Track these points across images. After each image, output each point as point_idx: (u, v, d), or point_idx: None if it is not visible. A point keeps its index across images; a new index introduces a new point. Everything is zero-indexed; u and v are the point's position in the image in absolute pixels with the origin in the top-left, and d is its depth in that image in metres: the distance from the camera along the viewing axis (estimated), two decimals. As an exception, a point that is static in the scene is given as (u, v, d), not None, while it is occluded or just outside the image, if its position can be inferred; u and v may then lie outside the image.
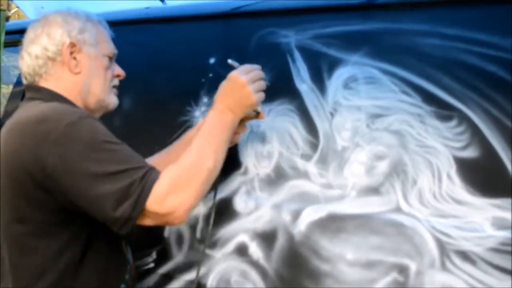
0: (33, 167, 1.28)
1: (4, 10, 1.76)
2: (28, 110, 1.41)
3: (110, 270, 1.46)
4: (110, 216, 1.26)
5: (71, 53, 1.51)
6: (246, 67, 1.54)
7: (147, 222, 1.32)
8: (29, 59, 1.51)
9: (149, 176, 1.28)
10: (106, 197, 1.25)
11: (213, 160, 1.39)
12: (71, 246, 1.36)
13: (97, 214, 1.29)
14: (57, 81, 1.50)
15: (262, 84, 1.55)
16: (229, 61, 1.58)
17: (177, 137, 1.80)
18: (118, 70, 1.63)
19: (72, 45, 1.50)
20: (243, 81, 1.49)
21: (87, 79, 1.53)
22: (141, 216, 1.28)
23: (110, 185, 1.25)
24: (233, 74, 1.51)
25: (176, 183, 1.31)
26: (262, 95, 1.55)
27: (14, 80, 2.42)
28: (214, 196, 1.65)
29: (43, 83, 1.50)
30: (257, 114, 1.62)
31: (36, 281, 1.34)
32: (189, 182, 1.33)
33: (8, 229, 1.36)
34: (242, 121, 1.60)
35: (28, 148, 1.29)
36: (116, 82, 1.63)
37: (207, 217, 1.69)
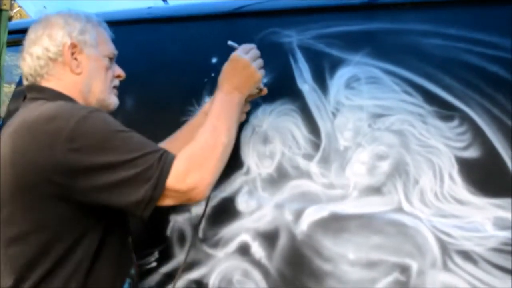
0: (47, 166, 1.29)
1: (7, 10, 1.76)
2: (33, 109, 1.42)
3: (120, 264, 1.48)
4: (133, 200, 1.29)
5: (72, 53, 1.52)
6: (245, 46, 1.64)
7: (169, 201, 1.36)
8: (31, 60, 1.52)
9: (166, 157, 1.33)
10: (127, 182, 1.29)
11: (227, 136, 1.46)
12: (84, 241, 1.37)
13: (120, 202, 1.31)
14: (58, 81, 1.51)
15: (261, 61, 1.63)
16: (229, 42, 1.66)
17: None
18: (119, 71, 1.65)
19: (73, 46, 1.52)
20: (246, 60, 1.58)
21: (88, 79, 1.54)
22: (163, 196, 1.32)
23: (129, 171, 1.29)
24: (235, 55, 1.60)
25: (194, 160, 1.37)
26: (263, 72, 1.64)
27: (16, 79, 2.42)
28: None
29: (45, 83, 1.51)
30: (259, 91, 1.68)
31: (49, 276, 1.35)
32: (206, 158, 1.39)
33: (19, 229, 1.37)
34: (246, 99, 1.65)
35: (40, 147, 1.30)
36: (116, 82, 1.65)
37: (209, 217, 1.70)
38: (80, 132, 1.30)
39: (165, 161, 1.32)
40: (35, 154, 1.30)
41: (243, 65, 1.57)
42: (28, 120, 1.38)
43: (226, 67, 1.59)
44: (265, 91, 1.69)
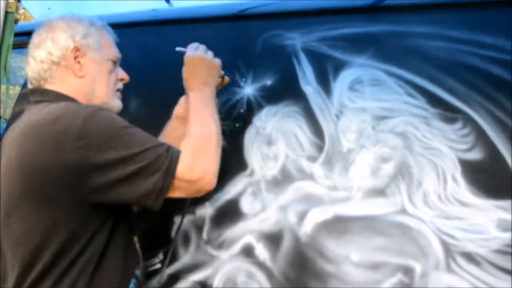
0: (56, 166, 1.30)
1: (13, 13, 1.76)
2: (37, 112, 1.42)
3: (125, 265, 1.48)
4: (143, 191, 1.33)
5: (75, 57, 1.53)
6: (192, 45, 1.70)
7: (179, 193, 1.40)
8: (34, 63, 1.53)
9: (173, 149, 1.37)
10: (137, 174, 1.32)
11: (215, 125, 1.51)
12: (94, 241, 1.38)
13: (131, 194, 1.34)
14: (61, 85, 1.52)
15: (211, 52, 1.67)
16: (177, 48, 1.71)
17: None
18: (122, 74, 1.66)
19: (76, 49, 1.53)
20: (200, 54, 1.64)
21: (91, 83, 1.55)
22: (173, 187, 1.36)
23: (138, 163, 1.32)
24: (187, 56, 1.65)
25: (198, 150, 1.41)
26: (218, 60, 1.67)
27: (20, 81, 2.42)
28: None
29: (48, 87, 1.52)
30: (222, 80, 1.72)
31: (59, 276, 1.36)
32: (206, 147, 1.43)
33: (28, 228, 1.37)
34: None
35: (48, 147, 1.31)
36: (120, 85, 1.65)
37: (213, 218, 1.71)
38: (88, 130, 1.31)
39: (172, 152, 1.36)
40: (44, 155, 1.31)
41: (199, 60, 1.63)
42: (33, 123, 1.39)
43: (185, 69, 1.64)
44: (226, 79, 1.75)
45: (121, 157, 1.32)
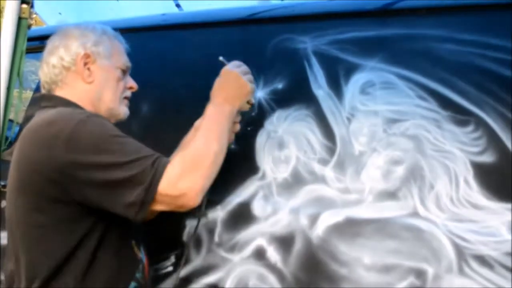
0: (46, 165, 1.36)
1: (26, 18, 1.79)
2: (39, 117, 1.50)
3: (120, 267, 1.49)
4: (125, 202, 1.33)
5: (85, 63, 1.59)
6: (235, 62, 1.67)
7: (161, 207, 1.39)
8: (47, 68, 1.60)
9: (160, 162, 1.36)
10: (120, 184, 1.33)
11: (218, 144, 1.47)
12: (84, 243, 1.41)
13: (113, 204, 1.36)
14: (71, 89, 1.58)
15: (251, 77, 1.66)
16: (220, 58, 1.69)
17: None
18: (131, 83, 1.70)
19: (87, 56, 1.59)
20: (236, 73, 1.62)
21: (99, 88, 1.60)
22: (155, 201, 1.35)
23: (123, 173, 1.33)
24: (225, 68, 1.65)
25: (186, 165, 1.38)
26: (254, 86, 1.66)
27: (32, 85, 2.45)
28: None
29: (58, 91, 1.59)
30: (251, 106, 1.70)
31: (49, 276, 1.40)
32: (198, 164, 1.40)
33: (22, 231, 1.44)
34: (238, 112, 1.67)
35: (40, 149, 1.37)
36: (128, 93, 1.70)
37: (224, 221, 1.71)
38: (79, 134, 1.35)
39: (159, 165, 1.35)
40: (36, 155, 1.38)
41: (234, 77, 1.61)
42: (32, 127, 1.46)
43: (217, 81, 1.63)
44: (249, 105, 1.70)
45: (107, 163, 1.34)
